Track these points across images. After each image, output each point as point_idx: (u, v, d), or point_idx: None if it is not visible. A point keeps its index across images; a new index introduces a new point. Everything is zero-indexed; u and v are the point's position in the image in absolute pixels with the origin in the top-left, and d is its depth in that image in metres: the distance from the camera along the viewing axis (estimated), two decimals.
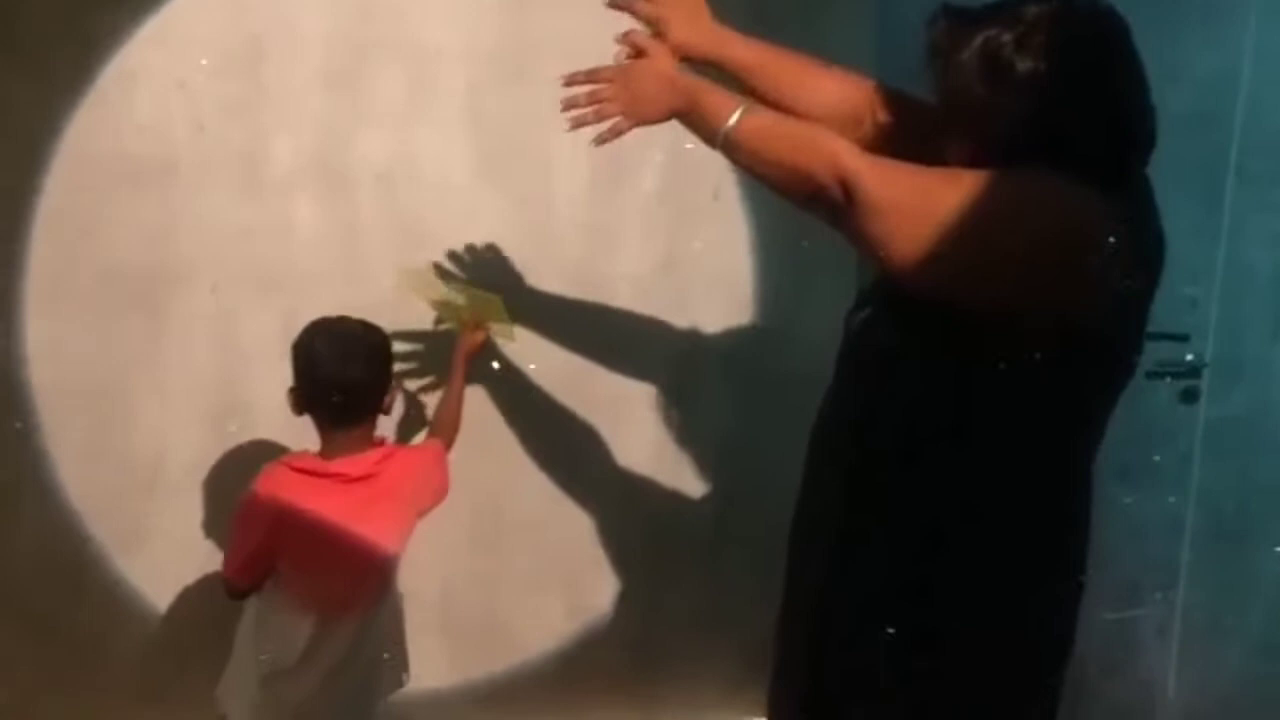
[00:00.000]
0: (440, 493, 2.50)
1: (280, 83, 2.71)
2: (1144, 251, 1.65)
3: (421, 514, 2.45)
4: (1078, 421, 1.70)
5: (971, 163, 1.61)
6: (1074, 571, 1.73)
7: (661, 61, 1.91)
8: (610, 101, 1.89)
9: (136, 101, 2.64)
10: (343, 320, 2.37)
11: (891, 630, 1.65)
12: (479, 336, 2.62)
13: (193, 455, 2.77)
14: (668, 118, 1.87)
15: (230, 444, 2.78)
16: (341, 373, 2.31)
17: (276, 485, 2.30)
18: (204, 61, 2.66)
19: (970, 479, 1.64)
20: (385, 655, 2.45)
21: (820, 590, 1.77)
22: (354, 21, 2.73)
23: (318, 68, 2.72)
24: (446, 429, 2.61)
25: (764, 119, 1.77)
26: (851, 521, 1.73)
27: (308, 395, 2.33)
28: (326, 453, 2.35)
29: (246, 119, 2.70)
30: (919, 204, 1.57)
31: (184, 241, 2.70)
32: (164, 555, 2.77)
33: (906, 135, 1.81)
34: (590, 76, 1.91)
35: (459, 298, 2.62)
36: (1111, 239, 1.53)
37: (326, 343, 2.32)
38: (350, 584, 2.34)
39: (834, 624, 1.75)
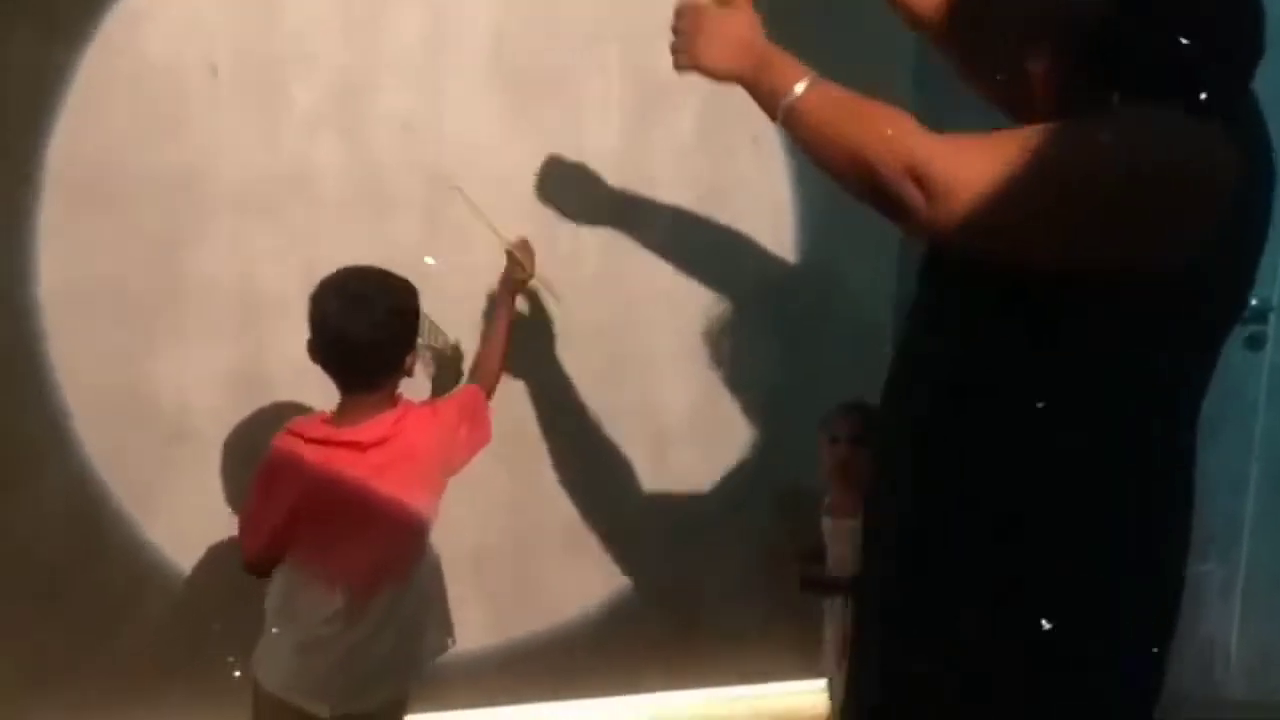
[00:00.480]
0: (476, 443, 2.37)
1: (297, 24, 2.60)
2: (1265, 190, 1.49)
3: (453, 470, 2.33)
4: (1178, 392, 1.53)
5: (1049, 77, 1.47)
6: (1175, 564, 1.57)
7: (741, 18, 1.76)
8: (679, 53, 1.77)
9: (146, 44, 2.53)
10: (362, 273, 2.22)
11: (969, 634, 1.51)
12: (526, 271, 2.48)
13: (214, 411, 2.67)
14: (731, 79, 1.72)
15: (253, 399, 2.68)
16: (349, 331, 2.15)
17: (286, 459, 2.18)
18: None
19: (1059, 468, 1.48)
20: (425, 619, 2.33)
21: (893, 594, 1.62)
22: None
23: (336, 8, 2.61)
24: (487, 375, 2.46)
25: (830, 92, 1.60)
26: (925, 525, 1.57)
27: (319, 352, 2.20)
28: (340, 417, 2.22)
29: (263, 63, 2.59)
30: (1014, 182, 1.39)
31: (201, 191, 2.60)
32: (186, 515, 2.68)
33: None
34: (675, 17, 1.80)
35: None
36: (1236, 179, 1.37)
37: (337, 298, 2.17)
38: (375, 556, 2.20)
39: (908, 627, 1.60)
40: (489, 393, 2.45)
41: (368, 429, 2.19)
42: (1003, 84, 1.56)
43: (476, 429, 2.38)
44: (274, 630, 2.24)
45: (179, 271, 2.62)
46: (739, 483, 2.98)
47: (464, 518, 2.60)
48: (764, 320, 2.94)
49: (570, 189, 2.76)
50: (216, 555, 2.67)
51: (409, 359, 2.25)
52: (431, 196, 2.68)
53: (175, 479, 2.67)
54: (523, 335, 2.66)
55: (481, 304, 2.64)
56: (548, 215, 2.76)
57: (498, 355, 2.48)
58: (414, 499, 2.23)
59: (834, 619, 2.65)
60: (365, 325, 2.15)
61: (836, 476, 2.67)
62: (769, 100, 1.64)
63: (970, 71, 1.70)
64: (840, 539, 2.61)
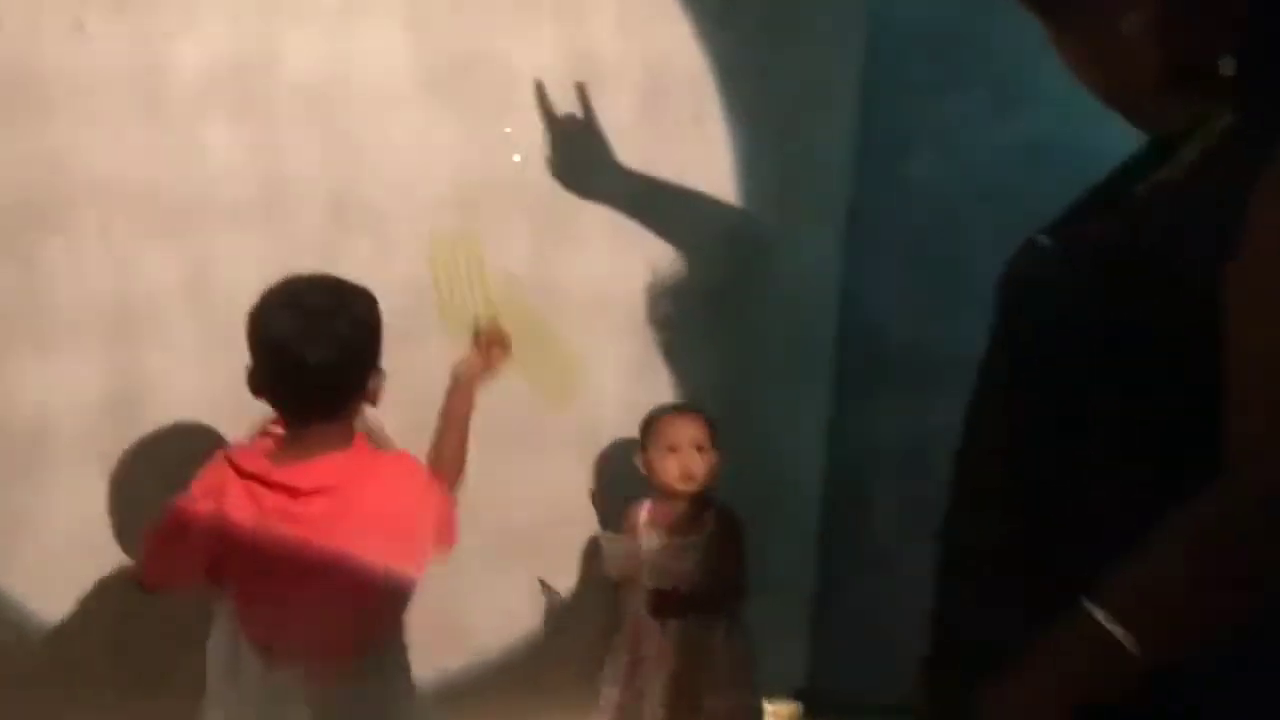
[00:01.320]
0: (441, 536, 1.99)
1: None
2: None
3: (423, 549, 1.94)
4: None
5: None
6: None
7: None
8: None
9: None
10: (313, 283, 1.88)
11: None
12: (496, 360, 2.16)
13: (82, 431, 2.30)
14: None
15: (127, 417, 2.32)
16: (305, 352, 1.81)
17: (210, 490, 1.84)
18: None
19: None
20: None
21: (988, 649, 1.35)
22: None
23: None
24: (447, 466, 2.09)
25: None
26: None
27: (263, 380, 1.86)
28: (285, 450, 1.88)
29: (139, 16, 2.22)
30: None
31: (64, 171, 2.23)
32: (49, 553, 2.30)
33: None
34: None
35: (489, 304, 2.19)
36: None
37: (289, 314, 1.82)
38: (314, 629, 1.84)
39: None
40: (450, 486, 2.09)
41: (308, 470, 1.84)
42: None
43: (440, 519, 2.00)
44: (217, 692, 1.89)
45: (38, 264, 2.24)
46: None
47: None
48: (706, 309, 2.69)
49: (498, 176, 2.47)
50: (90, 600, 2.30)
51: (372, 383, 1.91)
52: (338, 183, 2.36)
53: (36, 509, 2.28)
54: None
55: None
56: (474, 205, 2.46)
57: (457, 444, 2.11)
58: (369, 562, 1.85)
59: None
60: (324, 344, 1.81)
61: (680, 488, 2.44)
62: None
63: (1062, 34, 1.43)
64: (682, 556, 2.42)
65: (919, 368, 3.02)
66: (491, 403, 2.20)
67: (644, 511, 2.49)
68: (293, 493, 1.82)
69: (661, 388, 2.65)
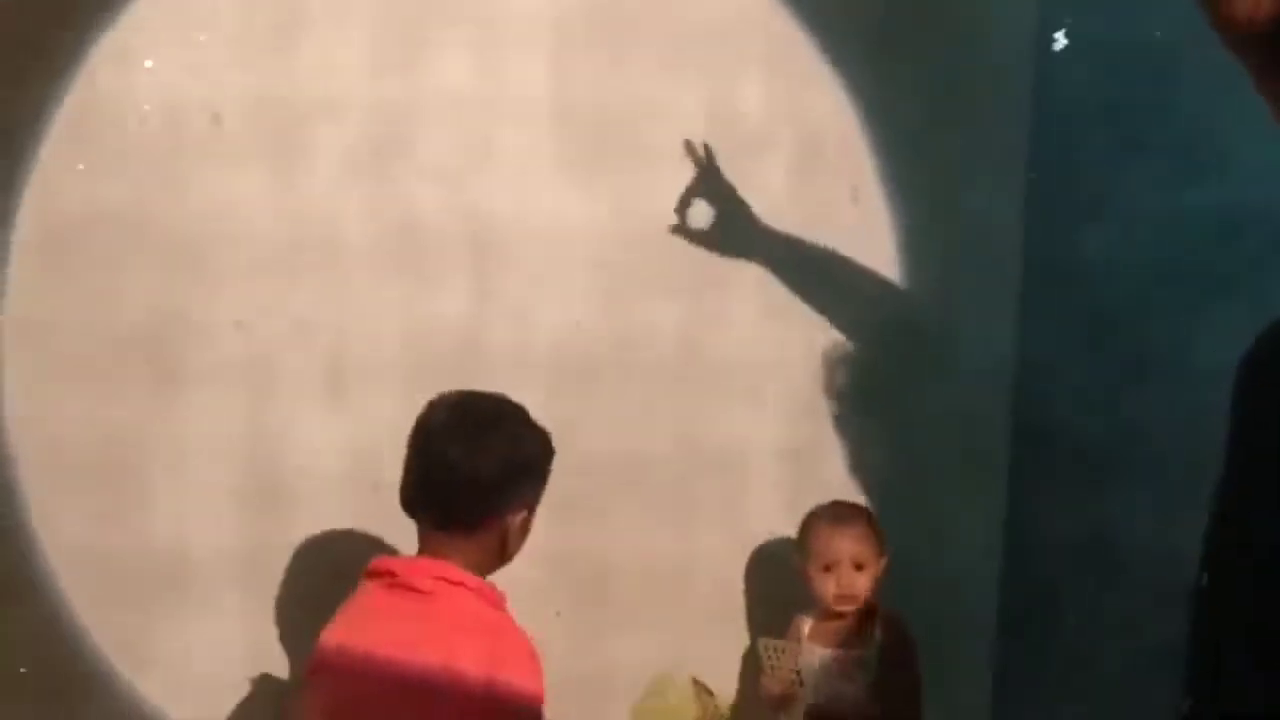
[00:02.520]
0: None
1: (315, 57, 2.21)
2: None
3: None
4: None
5: None
6: None
7: None
8: None
9: (133, 82, 2.15)
10: (486, 398, 1.88)
11: None
12: None
13: (222, 544, 2.24)
14: None
15: (269, 528, 2.25)
16: (449, 450, 1.78)
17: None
18: (203, 38, 2.19)
19: None
20: None
21: None
22: None
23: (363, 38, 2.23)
24: None
25: None
26: None
27: (407, 480, 1.83)
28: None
29: (273, 101, 2.20)
30: None
31: (200, 263, 2.20)
32: (186, 673, 2.24)
33: None
34: None
35: None
36: None
37: (447, 413, 1.83)
38: None
39: None
40: None
41: (418, 566, 1.79)
42: None
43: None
44: None
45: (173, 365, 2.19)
46: None
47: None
48: (870, 395, 2.51)
49: (643, 256, 2.36)
50: None
51: (514, 516, 1.83)
52: (479, 263, 2.28)
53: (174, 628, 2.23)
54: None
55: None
56: (617, 287, 2.36)
57: None
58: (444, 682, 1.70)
59: None
60: (471, 448, 1.78)
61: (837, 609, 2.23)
62: None
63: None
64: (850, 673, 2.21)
65: (1099, 456, 2.81)
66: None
67: (807, 625, 2.29)
68: (391, 580, 1.77)
69: (823, 480, 2.46)
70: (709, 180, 2.37)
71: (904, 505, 2.46)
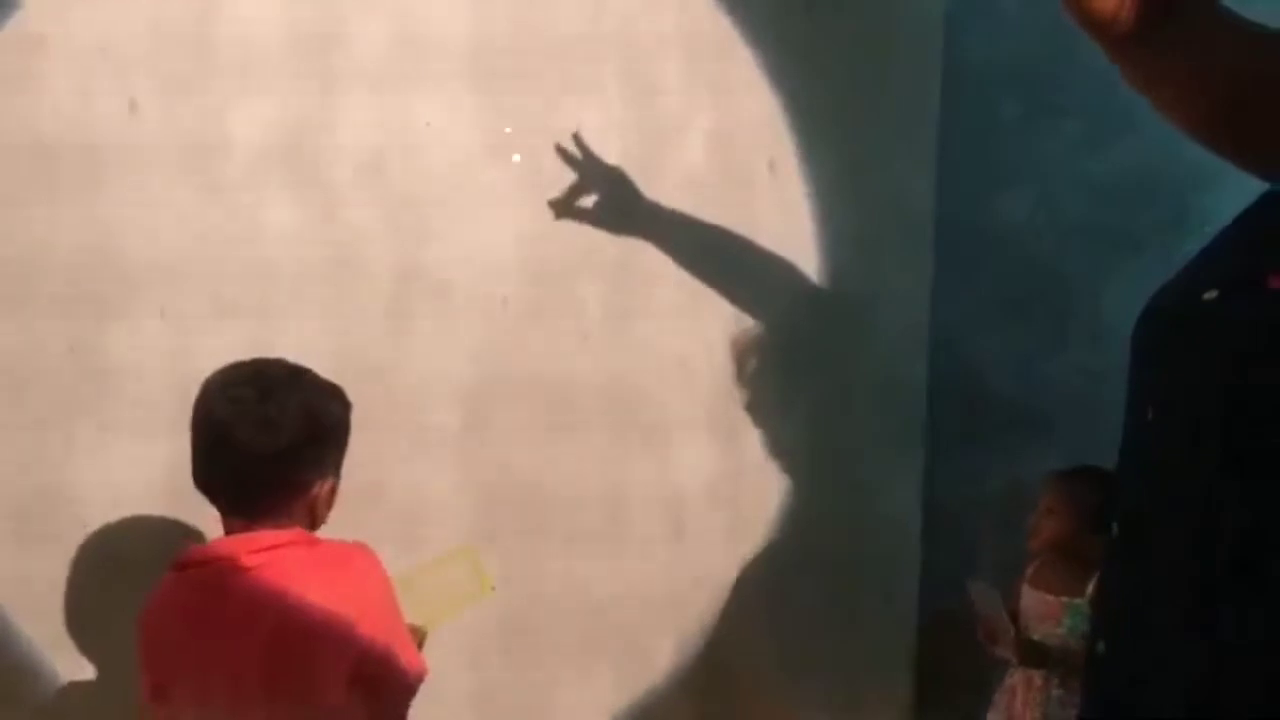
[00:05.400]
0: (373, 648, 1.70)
1: (235, 43, 2.18)
2: None
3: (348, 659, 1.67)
4: None
5: None
6: None
7: None
8: None
9: (46, 77, 2.10)
10: (266, 364, 1.76)
11: None
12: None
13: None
14: None
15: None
16: (233, 432, 1.67)
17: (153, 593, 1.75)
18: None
19: None
20: None
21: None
22: None
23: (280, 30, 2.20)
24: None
25: None
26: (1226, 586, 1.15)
27: (197, 463, 1.73)
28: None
29: (190, 93, 2.17)
30: None
31: (120, 252, 2.17)
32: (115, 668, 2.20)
33: None
34: None
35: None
36: None
37: (225, 390, 1.71)
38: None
39: None
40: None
41: (216, 545, 1.72)
42: None
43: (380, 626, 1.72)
44: None
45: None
46: (771, 555, 2.55)
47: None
48: (792, 365, 2.54)
49: (565, 231, 2.37)
50: None
51: (318, 485, 1.74)
52: (403, 255, 2.28)
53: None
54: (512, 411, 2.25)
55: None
56: (540, 263, 2.36)
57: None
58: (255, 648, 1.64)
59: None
60: (265, 423, 1.67)
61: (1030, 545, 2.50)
62: None
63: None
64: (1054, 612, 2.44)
65: (1017, 413, 2.88)
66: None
67: (1032, 566, 2.52)
68: (185, 565, 1.71)
69: (750, 450, 2.51)
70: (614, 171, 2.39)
71: (827, 470, 2.51)
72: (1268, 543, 1.08)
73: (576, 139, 2.33)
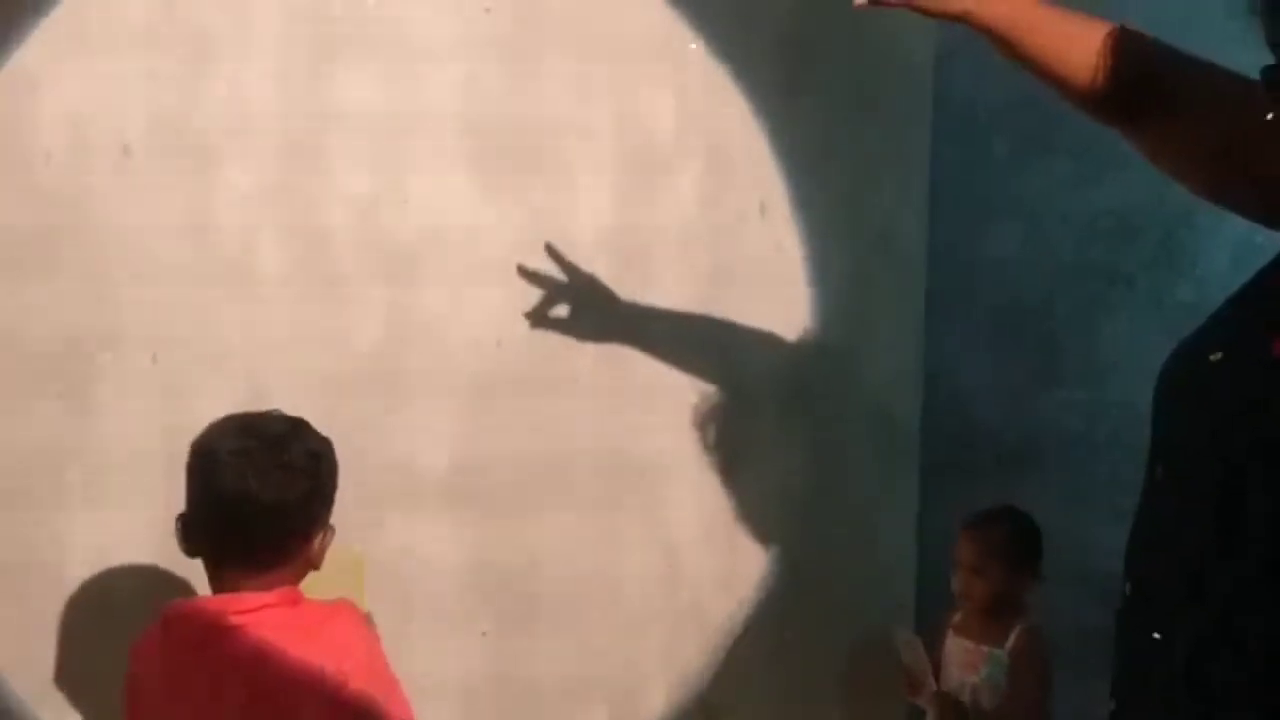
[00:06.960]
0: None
1: (227, 83, 2.19)
2: None
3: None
4: None
5: None
6: None
7: None
8: None
9: (38, 118, 2.11)
10: (263, 416, 1.76)
11: None
12: None
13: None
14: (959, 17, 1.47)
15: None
16: (244, 485, 1.65)
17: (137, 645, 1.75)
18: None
19: None
20: None
21: None
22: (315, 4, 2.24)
23: (270, 67, 2.21)
24: None
25: None
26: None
27: (196, 518, 1.71)
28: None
29: (184, 131, 2.18)
30: None
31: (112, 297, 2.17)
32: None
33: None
34: None
35: None
36: None
37: (235, 440, 1.69)
38: None
39: None
40: None
41: (203, 603, 1.72)
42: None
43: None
44: None
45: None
46: (763, 597, 2.55)
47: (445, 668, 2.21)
48: (778, 416, 2.54)
49: (558, 274, 2.37)
50: None
51: (319, 535, 1.74)
52: (394, 288, 2.28)
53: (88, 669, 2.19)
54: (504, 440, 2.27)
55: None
56: (531, 304, 2.36)
57: None
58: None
59: None
60: (271, 475, 1.66)
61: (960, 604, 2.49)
62: None
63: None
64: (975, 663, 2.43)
65: (1008, 448, 2.89)
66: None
67: (957, 615, 2.51)
68: (168, 619, 1.70)
69: (746, 491, 2.51)
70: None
71: (823, 507, 2.51)
72: (1254, 606, 1.08)
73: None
